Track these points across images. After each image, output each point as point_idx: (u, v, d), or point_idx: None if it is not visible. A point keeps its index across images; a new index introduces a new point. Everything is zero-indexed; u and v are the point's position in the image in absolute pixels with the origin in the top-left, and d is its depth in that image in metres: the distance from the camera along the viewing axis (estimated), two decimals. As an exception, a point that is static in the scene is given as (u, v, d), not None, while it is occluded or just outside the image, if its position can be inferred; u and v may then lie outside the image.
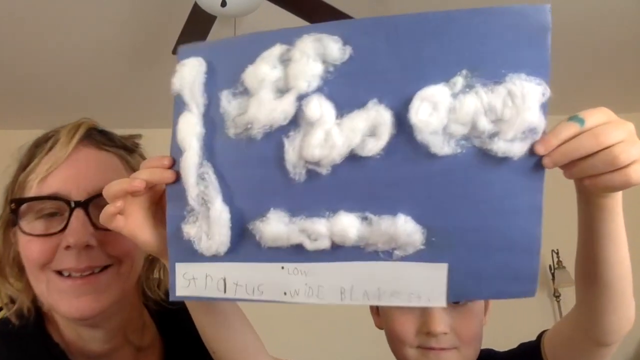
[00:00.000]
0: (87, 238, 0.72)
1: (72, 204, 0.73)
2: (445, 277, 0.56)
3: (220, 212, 0.58)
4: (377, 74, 0.56)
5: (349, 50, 0.57)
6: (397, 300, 0.57)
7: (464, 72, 0.54)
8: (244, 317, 0.72)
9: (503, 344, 0.85)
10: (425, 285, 0.57)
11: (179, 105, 0.61)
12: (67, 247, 0.72)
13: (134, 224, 0.63)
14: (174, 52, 2.14)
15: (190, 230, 0.59)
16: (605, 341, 0.66)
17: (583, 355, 0.70)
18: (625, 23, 2.64)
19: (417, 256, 0.56)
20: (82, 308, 0.73)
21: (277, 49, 0.59)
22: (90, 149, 0.78)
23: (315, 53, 0.57)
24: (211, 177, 0.59)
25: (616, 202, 0.58)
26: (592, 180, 0.53)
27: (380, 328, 0.85)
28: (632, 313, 0.64)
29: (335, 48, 0.57)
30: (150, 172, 0.61)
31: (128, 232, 0.63)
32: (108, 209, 0.62)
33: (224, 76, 0.61)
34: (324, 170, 0.56)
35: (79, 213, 0.73)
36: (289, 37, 0.58)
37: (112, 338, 0.80)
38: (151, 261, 0.83)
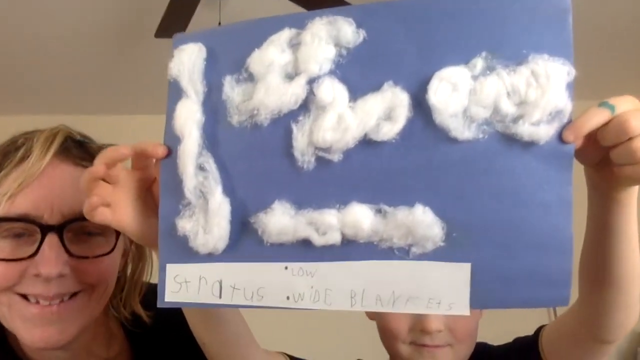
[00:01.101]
0: (60, 268, 0.65)
1: (45, 228, 0.65)
2: (468, 279, 0.50)
3: (220, 204, 0.53)
4: (392, 57, 0.53)
5: (362, 33, 0.54)
6: (414, 307, 0.51)
7: (484, 54, 0.51)
8: (236, 309, 0.67)
9: (492, 340, 0.83)
10: (446, 289, 0.51)
11: (175, 91, 0.57)
12: (37, 275, 0.65)
13: (122, 215, 0.57)
14: (157, 35, 2.09)
15: (185, 224, 0.54)
16: (608, 338, 0.64)
17: (583, 351, 0.68)
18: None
19: (437, 254, 0.51)
20: (46, 339, 0.66)
21: (286, 33, 0.55)
22: (67, 165, 0.69)
23: (328, 35, 0.54)
24: (212, 167, 0.54)
25: (632, 197, 0.55)
26: (617, 170, 0.50)
27: (372, 319, 0.82)
28: (637, 311, 0.62)
29: (349, 30, 0.54)
30: (140, 144, 0.56)
31: (116, 225, 0.58)
32: (91, 201, 0.56)
33: (227, 62, 0.57)
34: (335, 157, 0.52)
35: (52, 239, 0.65)
36: (299, 21, 0.55)
37: (75, 357, 0.73)
38: (118, 279, 0.76)
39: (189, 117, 0.55)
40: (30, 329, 0.66)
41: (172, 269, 0.55)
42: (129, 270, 0.77)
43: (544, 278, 0.50)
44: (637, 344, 2.71)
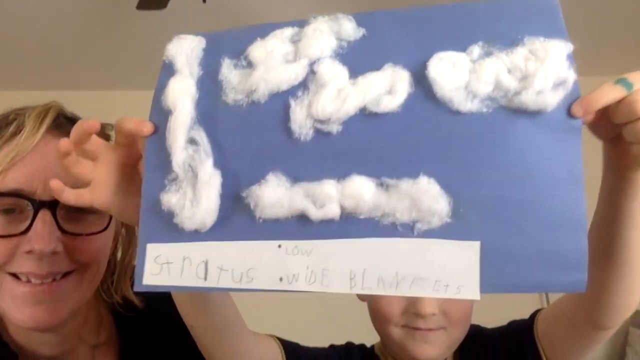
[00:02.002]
0: (54, 244, 0.63)
1: (38, 204, 0.63)
2: (478, 259, 0.47)
3: (211, 175, 0.49)
4: (391, 49, 0.53)
5: (362, 30, 0.54)
6: (420, 290, 0.47)
7: (480, 43, 0.51)
8: (226, 292, 0.64)
9: (483, 323, 0.80)
10: (454, 270, 0.47)
11: (168, 71, 0.55)
12: (29, 252, 0.62)
13: (101, 194, 0.54)
14: (139, 7, 2.03)
15: (171, 198, 0.50)
16: (606, 324, 0.63)
17: (579, 337, 0.67)
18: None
19: (443, 232, 0.47)
20: (38, 318, 0.64)
21: (288, 30, 0.55)
22: (59, 141, 0.67)
23: (330, 29, 0.54)
24: (203, 140, 0.51)
25: None
26: (628, 147, 0.48)
27: (363, 301, 0.79)
28: (637, 298, 0.60)
29: (350, 26, 0.54)
30: (122, 122, 0.53)
31: (98, 205, 0.54)
32: (52, 184, 0.55)
33: (227, 50, 0.56)
34: (334, 129, 0.49)
35: (45, 215, 0.63)
36: (302, 22, 0.55)
37: (66, 341, 0.70)
38: (108, 262, 0.73)
39: (183, 90, 0.52)
40: (21, 308, 0.64)
41: (153, 249, 0.50)
42: (119, 254, 0.74)
43: (558, 259, 0.46)
44: (628, 323, 2.62)
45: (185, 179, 0.50)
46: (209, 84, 0.54)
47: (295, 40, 0.54)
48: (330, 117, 0.48)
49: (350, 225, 0.48)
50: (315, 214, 0.47)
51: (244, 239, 0.49)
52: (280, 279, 0.48)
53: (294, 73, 0.51)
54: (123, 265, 0.75)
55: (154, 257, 0.50)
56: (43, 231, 0.62)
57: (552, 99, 0.47)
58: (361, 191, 0.46)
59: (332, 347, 0.80)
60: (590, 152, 0.52)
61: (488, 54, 0.50)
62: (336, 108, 0.48)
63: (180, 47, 0.56)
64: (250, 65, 0.54)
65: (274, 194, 0.48)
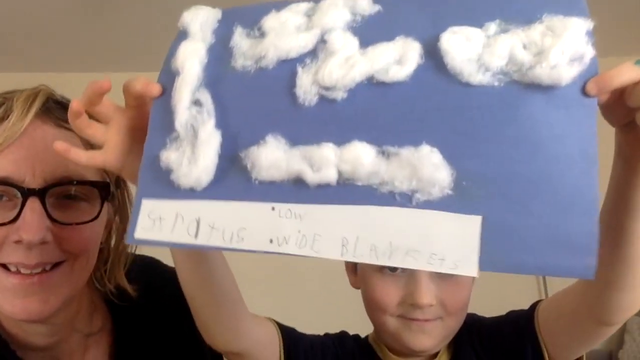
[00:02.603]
0: (43, 234, 0.61)
1: (26, 192, 0.61)
2: (479, 235, 0.44)
3: (210, 135, 0.49)
4: (406, 24, 0.52)
5: (378, 7, 0.53)
6: (414, 262, 0.44)
7: (497, 21, 0.49)
8: (228, 269, 0.64)
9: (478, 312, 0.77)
10: (452, 244, 0.44)
11: (181, 37, 0.56)
12: (18, 242, 0.61)
13: (115, 156, 0.54)
14: None
15: (170, 154, 0.49)
16: (609, 320, 0.60)
17: (581, 332, 0.64)
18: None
19: (443, 204, 0.45)
20: (28, 310, 0.62)
21: (304, 5, 0.55)
22: (49, 126, 0.65)
23: (344, 4, 0.54)
24: (207, 101, 0.51)
25: None
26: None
27: (357, 288, 0.77)
28: None
29: (365, 1, 0.54)
30: (131, 82, 0.53)
31: (110, 166, 0.54)
32: (56, 146, 0.54)
33: (241, 21, 0.56)
34: (339, 95, 0.48)
35: (34, 203, 0.61)
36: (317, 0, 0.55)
37: (58, 331, 0.68)
38: (101, 250, 0.71)
39: (192, 52, 0.53)
40: (10, 299, 0.62)
41: (147, 205, 0.50)
42: (112, 242, 0.73)
43: (566, 241, 0.43)
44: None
45: (186, 138, 0.50)
46: (220, 50, 0.55)
47: (309, 15, 0.54)
48: (336, 83, 0.48)
49: (347, 191, 0.46)
50: (311, 177, 0.46)
51: (238, 200, 0.48)
52: (271, 241, 0.46)
53: (304, 40, 0.51)
54: (117, 253, 0.73)
55: (147, 212, 0.49)
56: (32, 220, 0.60)
57: (567, 74, 0.45)
58: (360, 156, 0.45)
59: (326, 335, 0.77)
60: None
61: (504, 31, 0.48)
62: (342, 74, 0.48)
63: (195, 15, 0.56)
64: (263, 35, 0.54)
65: (272, 156, 0.47)
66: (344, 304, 1.28)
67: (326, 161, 0.46)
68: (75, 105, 0.54)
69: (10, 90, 0.66)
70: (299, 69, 0.50)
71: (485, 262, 0.44)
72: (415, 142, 0.46)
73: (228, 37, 0.55)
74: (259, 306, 0.72)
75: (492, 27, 0.49)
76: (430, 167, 0.44)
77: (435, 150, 0.45)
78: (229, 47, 0.54)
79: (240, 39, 0.54)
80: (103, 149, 0.55)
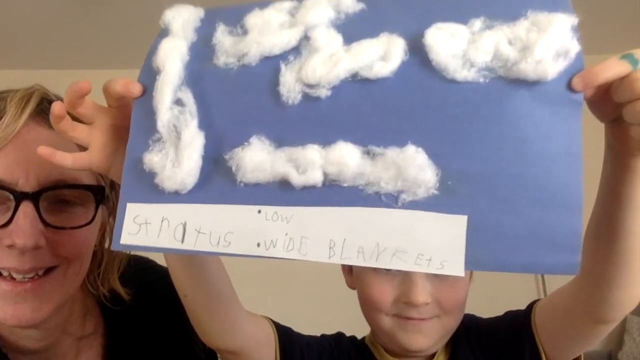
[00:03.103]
0: (37, 239, 0.60)
1: (19, 195, 0.59)
2: (464, 235, 0.44)
3: (194, 136, 0.48)
4: (390, 22, 0.51)
5: (362, 5, 0.52)
6: (401, 262, 0.45)
7: (482, 18, 0.48)
8: (221, 264, 0.64)
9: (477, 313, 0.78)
10: (439, 244, 0.45)
11: (163, 34, 0.54)
12: (10, 246, 0.60)
13: (101, 156, 0.53)
14: None
15: (153, 157, 0.49)
16: (606, 318, 0.60)
17: (577, 331, 0.64)
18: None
19: (429, 204, 0.45)
20: (20, 317, 0.61)
21: (287, 3, 0.54)
22: (42, 128, 0.63)
23: (328, 2, 0.52)
24: (189, 101, 0.50)
25: None
26: (627, 129, 0.45)
27: (352, 288, 0.76)
28: (639, 291, 0.57)
29: (349, 0, 0.52)
30: (111, 83, 0.52)
31: (97, 167, 0.54)
32: (39, 150, 0.53)
33: (223, 19, 0.55)
34: (323, 93, 0.47)
35: (27, 207, 0.59)
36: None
37: (50, 335, 0.67)
38: (95, 253, 0.70)
39: (173, 50, 0.52)
40: (2, 306, 0.61)
41: (132, 209, 0.49)
42: (106, 245, 0.72)
43: (550, 238, 0.44)
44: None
45: (169, 139, 0.49)
46: (202, 48, 0.53)
47: (293, 13, 0.53)
48: (320, 80, 0.47)
49: (333, 192, 0.46)
50: (297, 179, 0.46)
51: (224, 203, 0.48)
52: (258, 245, 0.46)
53: (287, 37, 0.50)
54: (111, 256, 0.72)
55: (133, 216, 0.49)
56: (25, 225, 0.59)
57: (552, 69, 0.44)
58: (345, 157, 0.45)
59: (323, 336, 0.77)
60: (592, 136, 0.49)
61: (489, 27, 0.48)
62: (326, 71, 0.47)
63: (177, 13, 0.55)
64: (245, 33, 0.53)
65: (256, 158, 0.46)
66: (340, 304, 1.28)
67: (311, 163, 0.45)
68: (57, 109, 0.52)
69: (4, 90, 0.65)
70: (282, 66, 0.49)
71: (472, 262, 0.44)
72: (400, 142, 0.46)
73: (210, 35, 0.54)
74: (255, 305, 0.71)
75: (477, 23, 0.48)
76: (415, 168, 0.44)
77: (420, 150, 0.45)
78: (211, 45, 0.53)
79: (222, 37, 0.53)
80: (88, 150, 0.54)
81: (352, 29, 0.51)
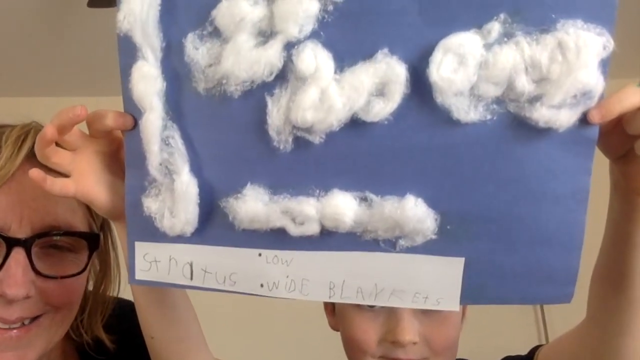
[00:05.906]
0: (28, 289, 0.57)
1: (12, 242, 0.57)
2: (460, 274, 0.46)
3: (187, 186, 0.47)
4: (388, 16, 0.43)
5: None
6: (399, 301, 0.47)
7: (502, 16, 0.42)
8: (191, 306, 0.62)
9: (473, 356, 0.73)
10: (435, 283, 0.46)
11: (127, 49, 0.48)
12: (0, 295, 0.57)
13: (86, 184, 0.52)
14: (90, 4, 1.75)
15: (151, 205, 0.49)
16: None
17: None
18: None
19: (427, 248, 0.45)
20: None
21: None
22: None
23: None
24: (177, 142, 0.48)
25: None
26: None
27: (336, 330, 0.71)
28: None
29: None
30: (98, 114, 0.50)
31: (82, 196, 0.52)
32: (32, 174, 0.50)
33: (187, 12, 0.47)
34: (316, 139, 0.45)
35: (19, 255, 0.57)
36: None
37: None
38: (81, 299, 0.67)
39: (149, 85, 0.47)
40: None
41: (141, 247, 0.51)
42: (90, 287, 0.69)
43: (546, 274, 0.45)
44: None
45: (164, 183, 0.48)
46: (176, 63, 0.48)
47: (270, 3, 0.45)
48: (312, 127, 0.44)
49: (331, 239, 0.47)
50: (294, 230, 0.46)
51: (226, 245, 0.49)
52: (261, 285, 0.49)
53: (267, 66, 0.44)
54: (96, 300, 0.69)
55: (142, 254, 0.51)
56: (16, 274, 0.56)
57: (567, 119, 0.41)
58: (342, 213, 0.44)
59: None
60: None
61: (508, 36, 0.41)
62: (319, 119, 0.43)
63: (131, 14, 0.47)
64: (217, 33, 0.46)
65: (252, 210, 0.46)
66: (322, 349, 1.18)
67: (307, 218, 0.45)
68: (50, 132, 0.49)
69: (1, 124, 0.60)
70: (269, 102, 0.45)
71: (466, 297, 0.46)
72: (399, 191, 0.44)
73: (179, 43, 0.47)
74: (229, 349, 0.69)
75: (495, 28, 0.42)
76: (414, 221, 0.44)
77: (419, 201, 0.44)
78: (184, 62, 0.47)
79: (194, 51, 0.46)
80: (72, 178, 0.52)
81: (342, 38, 0.44)
